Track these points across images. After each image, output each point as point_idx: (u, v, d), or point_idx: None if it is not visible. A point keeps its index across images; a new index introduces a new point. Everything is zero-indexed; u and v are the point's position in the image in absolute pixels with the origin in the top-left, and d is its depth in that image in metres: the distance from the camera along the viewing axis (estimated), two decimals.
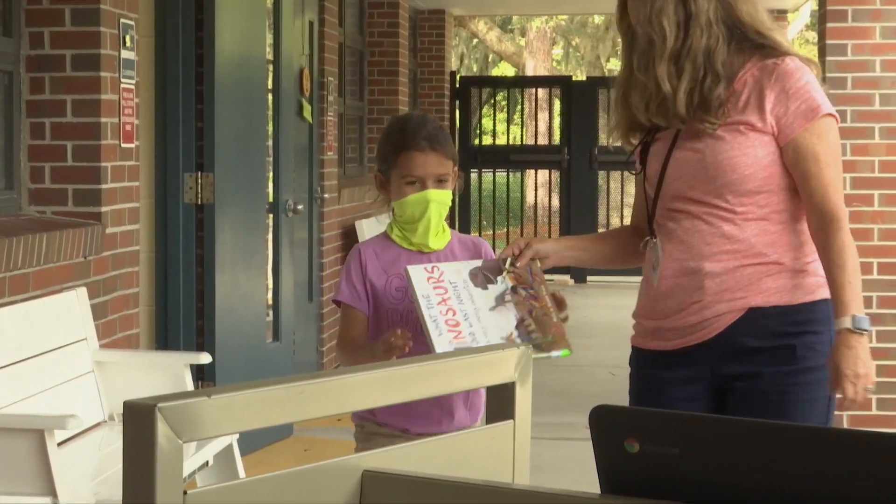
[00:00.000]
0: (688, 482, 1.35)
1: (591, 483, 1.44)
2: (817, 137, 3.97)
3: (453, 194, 4.48)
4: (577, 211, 19.50)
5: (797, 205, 4.07)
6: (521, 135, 21.25)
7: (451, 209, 14.86)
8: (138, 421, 1.27)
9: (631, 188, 21.00)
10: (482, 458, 1.59)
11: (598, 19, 29.55)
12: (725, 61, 4.01)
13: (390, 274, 4.38)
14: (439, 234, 4.41)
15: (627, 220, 20.46)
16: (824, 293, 4.02)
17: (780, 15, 18.55)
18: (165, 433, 1.26)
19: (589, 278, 19.28)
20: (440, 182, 4.36)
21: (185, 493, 1.29)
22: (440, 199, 4.35)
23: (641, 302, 4.27)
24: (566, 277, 19.24)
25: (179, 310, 8.16)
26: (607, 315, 15.68)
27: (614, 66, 29.78)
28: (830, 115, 4.01)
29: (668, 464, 1.35)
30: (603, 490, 1.41)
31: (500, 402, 1.63)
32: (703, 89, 3.97)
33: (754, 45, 4.08)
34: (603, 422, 1.38)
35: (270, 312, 9.38)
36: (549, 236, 20.01)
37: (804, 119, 3.94)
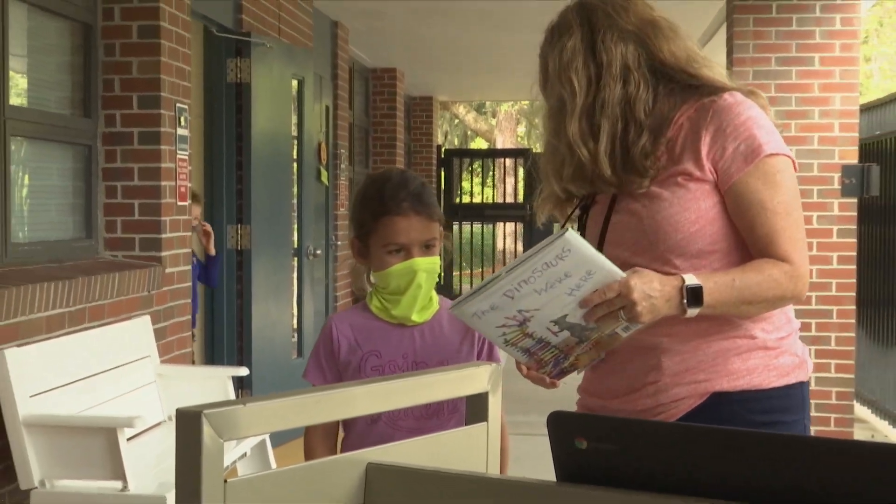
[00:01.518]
0: (624, 472, 1.34)
1: (548, 472, 1.44)
2: (762, 182, 2.75)
3: (443, 257, 3.33)
4: None
5: None
6: (493, 195, 21.33)
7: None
8: (188, 424, 1.27)
9: None
10: (463, 453, 1.59)
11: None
12: (650, 109, 2.87)
13: (365, 350, 3.22)
14: (426, 307, 3.20)
15: None
16: (800, 374, 2.87)
17: None
18: (209, 434, 1.26)
19: None
20: (427, 248, 3.16)
21: (225, 481, 1.29)
22: (428, 268, 3.15)
23: (587, 375, 3.11)
24: None
25: (223, 333, 8.18)
26: None
27: None
28: (777, 154, 2.78)
29: (609, 458, 1.35)
30: (558, 478, 1.40)
31: (476, 408, 1.63)
32: (625, 143, 2.85)
33: (686, 86, 2.91)
34: (558, 424, 1.37)
35: (295, 335, 9.37)
36: None
37: (744, 161, 2.74)
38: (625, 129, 2.86)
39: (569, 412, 1.38)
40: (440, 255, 3.30)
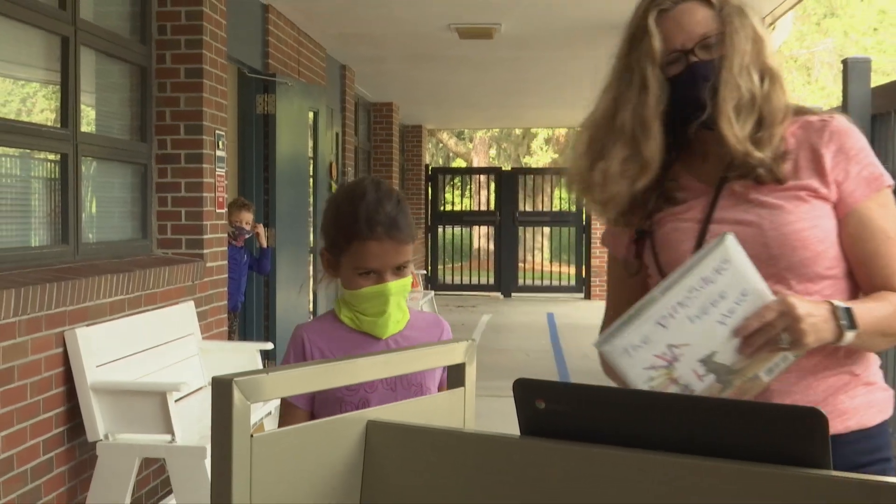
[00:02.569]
0: (576, 429, 1.34)
1: (513, 427, 1.43)
2: (884, 211, 2.16)
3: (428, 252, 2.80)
4: (505, 253, 19.47)
5: (857, 296, 2.18)
6: (470, 204, 21.36)
7: (422, 247, 14.63)
8: (221, 389, 1.27)
9: (538, 237, 21.02)
10: (446, 413, 1.59)
11: (518, 131, 29.63)
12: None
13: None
14: (395, 323, 2.60)
15: (539, 258, 19.80)
16: (889, 410, 2.22)
17: None
18: (239, 397, 1.26)
19: (513, 294, 19.24)
20: (399, 270, 2.55)
21: (252, 436, 1.28)
22: (399, 290, 2.56)
23: None
24: (498, 294, 19.20)
25: (253, 315, 8.19)
26: (524, 317, 15.69)
27: (529, 161, 29.90)
28: (891, 185, 2.22)
29: (563, 417, 1.35)
30: (521, 433, 1.40)
31: (455, 376, 1.63)
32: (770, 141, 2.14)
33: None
34: (521, 388, 1.37)
35: (311, 316, 9.39)
36: (488, 270, 20.01)
37: (867, 187, 2.15)
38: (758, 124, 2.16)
39: (531, 379, 1.38)
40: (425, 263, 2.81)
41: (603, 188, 2.21)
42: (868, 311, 2.05)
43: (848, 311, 2.00)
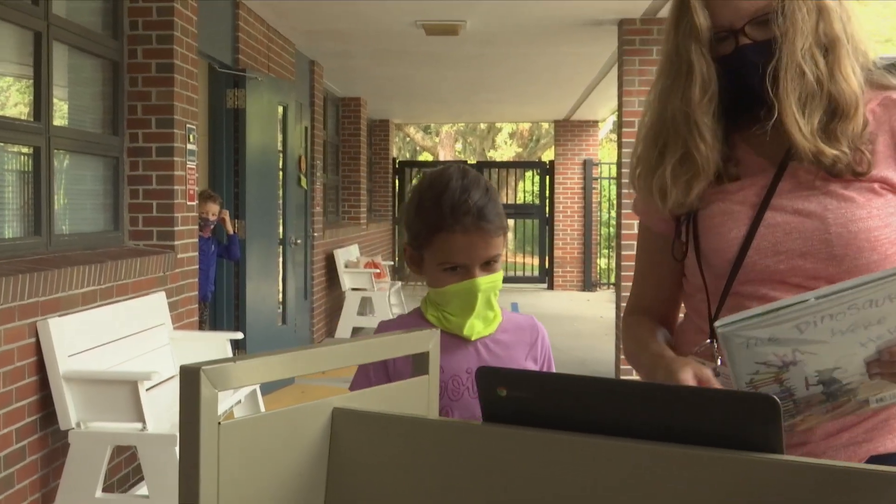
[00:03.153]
0: (536, 415, 1.34)
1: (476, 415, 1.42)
2: None
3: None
4: None
5: None
6: None
7: (390, 238, 14.63)
8: (189, 378, 1.26)
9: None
10: (410, 400, 1.59)
11: (483, 126, 29.65)
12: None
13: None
14: (489, 320, 2.31)
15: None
16: None
17: (592, 123, 18.60)
18: (206, 385, 1.25)
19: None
20: (488, 265, 2.25)
21: (219, 423, 1.28)
22: (490, 287, 2.25)
23: None
24: None
25: (224, 305, 8.16)
26: None
27: (493, 155, 29.91)
28: None
29: (524, 403, 1.35)
30: (484, 420, 1.39)
31: (420, 364, 1.63)
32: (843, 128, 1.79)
33: (861, 67, 1.84)
34: (483, 376, 1.37)
35: (280, 306, 9.37)
36: None
37: None
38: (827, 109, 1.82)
39: (493, 367, 1.38)
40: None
41: (663, 198, 1.94)
42: None
43: None
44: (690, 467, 1.23)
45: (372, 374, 2.27)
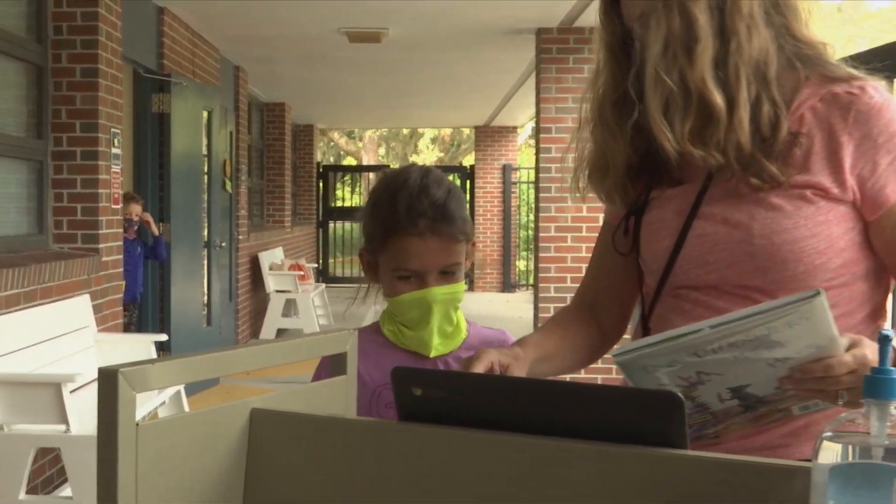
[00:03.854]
0: (450, 413, 1.34)
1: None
2: None
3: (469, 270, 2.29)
4: None
5: (876, 299, 1.74)
6: (360, 200, 21.27)
7: (314, 241, 14.52)
8: (107, 380, 1.24)
9: None
10: (328, 400, 1.58)
11: (405, 131, 29.63)
12: (778, 81, 1.68)
13: (379, 384, 2.03)
14: (450, 336, 2.05)
15: None
16: None
17: (511, 129, 18.67)
18: (124, 387, 1.24)
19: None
20: (446, 274, 2.00)
21: (137, 424, 1.26)
22: (446, 298, 2.00)
23: None
24: None
25: (149, 307, 8.07)
26: None
27: (416, 159, 29.89)
28: None
29: (438, 402, 1.35)
30: (400, 419, 1.40)
31: (338, 365, 1.61)
32: (759, 121, 1.66)
33: (806, 59, 1.72)
34: (398, 376, 1.37)
35: (205, 308, 9.28)
36: None
37: None
38: (757, 100, 1.67)
39: (408, 368, 1.38)
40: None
41: (596, 192, 1.91)
42: None
43: None
44: (598, 462, 1.24)
45: (323, 372, 1.99)
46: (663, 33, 1.66)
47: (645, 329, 1.84)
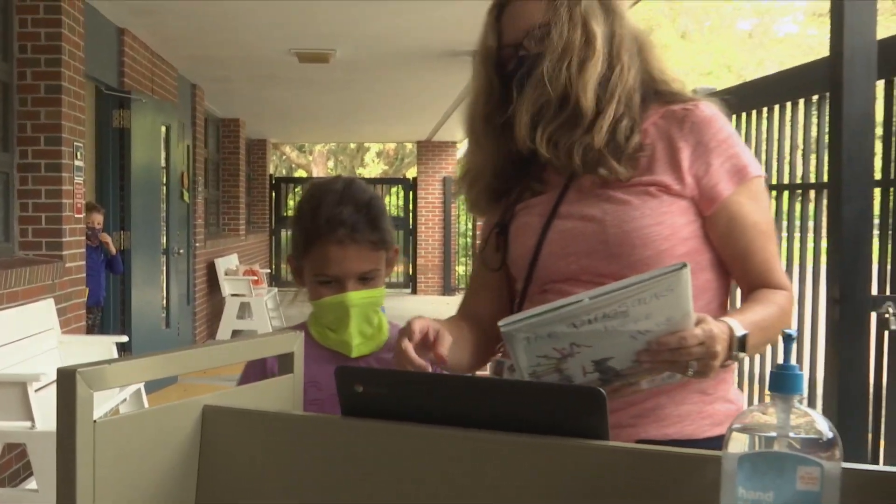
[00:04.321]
0: (389, 408, 1.34)
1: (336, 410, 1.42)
2: (754, 203, 1.81)
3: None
4: None
5: (720, 293, 1.86)
6: None
7: (267, 248, 14.38)
8: (65, 379, 1.23)
9: None
10: (276, 397, 1.57)
11: (353, 145, 29.56)
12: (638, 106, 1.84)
13: (311, 378, 1.87)
14: (370, 336, 2.03)
15: None
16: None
17: (451, 144, 18.69)
18: (82, 386, 1.23)
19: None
20: (364, 280, 2.00)
21: (95, 422, 1.25)
22: (364, 303, 1.99)
23: None
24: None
25: (111, 310, 7.97)
26: None
27: (362, 172, 29.79)
28: (760, 176, 1.84)
29: (378, 398, 1.35)
30: (343, 414, 1.39)
31: (285, 364, 1.61)
32: (617, 132, 1.80)
33: (654, 90, 1.88)
34: (341, 374, 1.37)
35: (164, 311, 9.19)
36: None
37: (731, 180, 1.79)
38: (621, 117, 1.82)
39: (351, 367, 1.38)
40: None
41: (465, 191, 1.99)
42: (759, 326, 1.68)
43: (742, 340, 1.61)
44: (528, 453, 1.24)
45: (251, 373, 2.03)
46: (564, 43, 1.79)
47: None
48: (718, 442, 1.56)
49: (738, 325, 1.61)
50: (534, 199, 1.91)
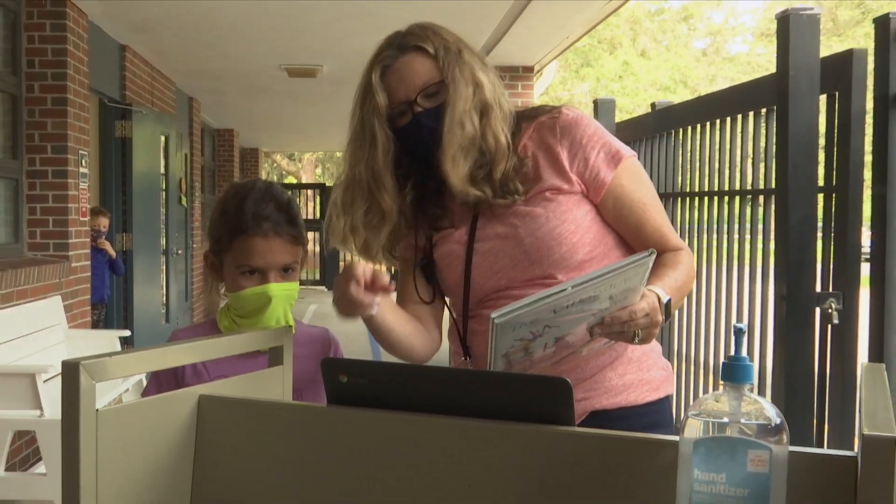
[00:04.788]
0: (372, 397, 1.33)
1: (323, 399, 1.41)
2: (634, 181, 1.90)
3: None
4: (328, 253, 19.35)
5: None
6: (302, 214, 21.00)
7: None
8: (70, 371, 1.22)
9: None
10: (267, 387, 1.56)
11: (339, 153, 29.47)
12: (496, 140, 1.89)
13: (213, 375, 1.91)
14: None
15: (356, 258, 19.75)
16: (668, 388, 1.96)
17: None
18: (85, 377, 1.21)
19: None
20: (285, 272, 1.97)
21: (97, 410, 1.24)
22: (284, 295, 1.94)
23: None
24: (322, 287, 19.04)
25: (114, 307, 7.93)
26: None
27: None
28: (632, 155, 1.92)
29: (362, 388, 1.34)
30: (329, 403, 1.38)
31: (275, 357, 1.60)
32: (491, 174, 1.89)
33: (522, 115, 1.98)
34: (327, 366, 1.36)
35: (164, 307, 9.14)
36: (315, 268, 19.78)
37: (608, 166, 1.88)
38: (484, 161, 1.90)
39: (336, 358, 1.37)
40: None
41: (355, 240, 1.98)
42: (674, 288, 1.76)
43: (667, 305, 1.69)
44: (499, 438, 1.24)
45: (163, 381, 1.97)
46: (463, 97, 1.86)
47: (465, 348, 1.98)
48: (659, 405, 1.90)
49: (662, 291, 1.69)
50: (448, 230, 1.97)
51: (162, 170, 9.01)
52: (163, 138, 8.93)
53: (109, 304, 7.79)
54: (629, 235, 1.92)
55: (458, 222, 1.97)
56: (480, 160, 1.89)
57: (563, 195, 1.88)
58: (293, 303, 1.98)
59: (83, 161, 6.39)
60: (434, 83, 1.88)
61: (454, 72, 1.87)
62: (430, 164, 1.90)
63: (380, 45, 1.95)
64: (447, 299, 2.06)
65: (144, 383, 6.09)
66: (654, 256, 1.57)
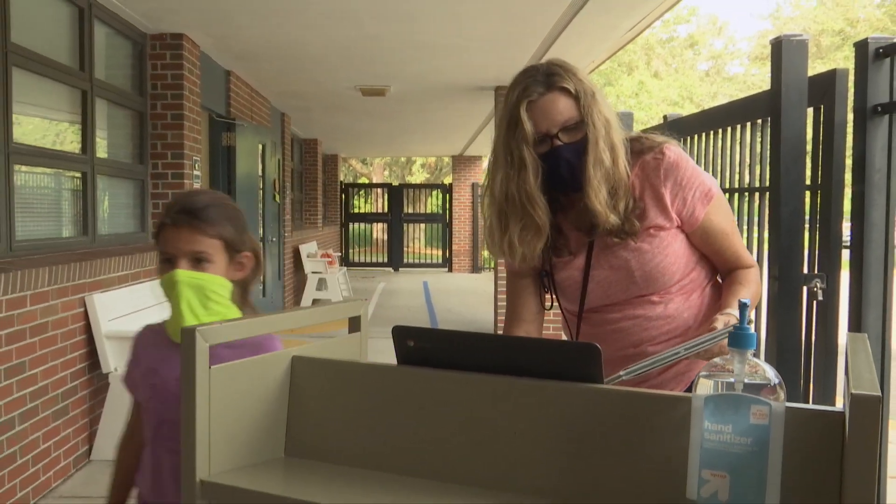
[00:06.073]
0: (436, 358, 1.32)
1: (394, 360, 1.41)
2: (721, 215, 1.90)
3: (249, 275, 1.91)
4: (394, 240, 19.43)
5: (711, 273, 1.97)
6: (372, 208, 21.13)
7: (338, 237, 14.41)
8: (188, 335, 1.23)
9: (417, 230, 20.74)
10: (349, 350, 1.56)
11: (403, 158, 29.52)
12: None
13: (145, 366, 1.81)
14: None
15: (418, 244, 19.34)
16: None
17: (478, 157, 18.58)
18: (200, 341, 1.22)
19: (400, 269, 19.16)
20: (198, 262, 1.72)
21: (210, 368, 1.24)
22: (191, 282, 1.69)
23: None
24: (390, 268, 19.09)
25: None
26: (407, 284, 15.62)
27: (410, 179, 29.76)
28: (719, 192, 1.92)
29: (426, 351, 1.33)
30: (398, 364, 1.38)
31: (354, 324, 1.59)
32: (616, 205, 1.87)
33: (630, 150, 1.91)
34: (397, 332, 1.35)
35: (262, 285, 9.23)
36: (383, 252, 19.85)
37: (702, 204, 1.87)
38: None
39: (404, 325, 1.36)
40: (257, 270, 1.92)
41: (513, 255, 1.91)
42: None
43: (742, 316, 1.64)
44: (539, 393, 1.23)
45: (131, 367, 1.86)
46: (598, 134, 1.81)
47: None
48: None
49: (736, 312, 1.70)
50: (566, 258, 1.95)
51: (259, 172, 9.08)
52: (260, 147, 9.00)
53: None
54: (711, 255, 1.94)
55: (575, 251, 1.95)
56: (610, 190, 1.85)
57: (664, 231, 1.89)
58: (212, 296, 1.72)
59: (196, 165, 6.45)
60: (574, 121, 1.82)
61: (592, 113, 1.82)
62: (563, 192, 1.88)
63: (521, 79, 1.85)
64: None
65: None
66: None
